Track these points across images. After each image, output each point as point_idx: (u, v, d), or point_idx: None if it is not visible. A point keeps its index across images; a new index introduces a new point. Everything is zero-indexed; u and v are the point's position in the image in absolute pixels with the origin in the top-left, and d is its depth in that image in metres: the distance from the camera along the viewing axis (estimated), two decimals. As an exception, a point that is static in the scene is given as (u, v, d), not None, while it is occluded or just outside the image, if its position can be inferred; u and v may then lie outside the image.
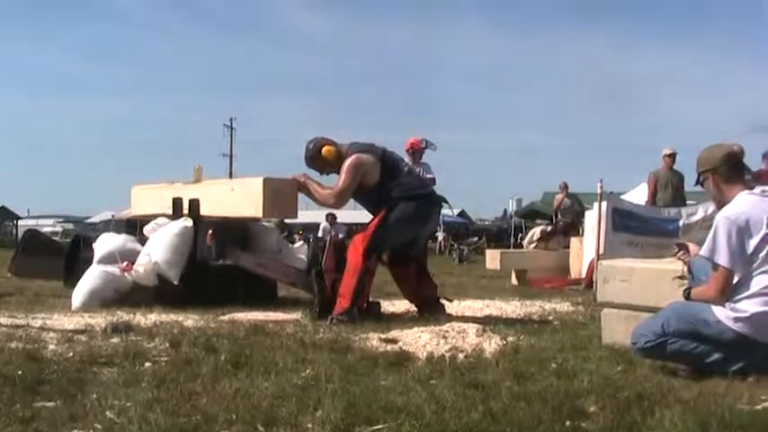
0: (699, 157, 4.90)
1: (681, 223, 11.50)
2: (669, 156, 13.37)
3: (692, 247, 5.12)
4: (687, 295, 4.78)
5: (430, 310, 7.51)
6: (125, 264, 8.37)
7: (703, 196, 12.85)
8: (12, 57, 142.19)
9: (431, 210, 7.72)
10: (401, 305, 8.18)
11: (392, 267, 7.80)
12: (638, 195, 14.82)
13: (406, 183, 7.47)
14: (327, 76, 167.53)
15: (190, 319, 6.82)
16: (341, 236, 16.27)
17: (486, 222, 63.85)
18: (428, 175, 10.95)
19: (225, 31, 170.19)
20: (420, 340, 5.74)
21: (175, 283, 8.21)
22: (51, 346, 5.32)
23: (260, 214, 7.92)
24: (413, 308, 7.88)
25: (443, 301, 7.81)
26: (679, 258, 5.15)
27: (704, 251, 4.61)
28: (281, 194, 7.73)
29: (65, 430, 3.35)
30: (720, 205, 4.76)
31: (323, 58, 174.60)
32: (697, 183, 4.96)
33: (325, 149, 7.47)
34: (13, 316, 6.95)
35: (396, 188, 7.33)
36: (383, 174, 7.38)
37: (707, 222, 9.63)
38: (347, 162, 7.34)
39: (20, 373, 4.31)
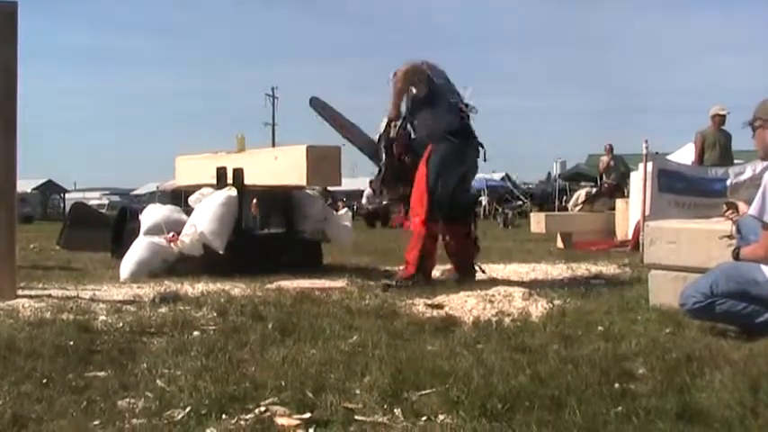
0: (757, 107, 4.80)
1: (728, 183, 11.29)
2: (719, 115, 13.12)
3: (740, 206, 5.05)
4: (736, 255, 4.72)
5: (463, 273, 7.53)
6: (171, 234, 8.41)
7: (752, 155, 12.71)
8: (54, 35, 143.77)
9: (465, 149, 7.56)
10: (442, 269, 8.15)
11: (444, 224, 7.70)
12: (684, 156, 14.61)
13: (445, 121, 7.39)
14: (369, 43, 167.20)
15: (237, 288, 6.86)
16: (385, 202, 16.31)
17: (531, 186, 63.32)
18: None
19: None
20: (466, 305, 5.75)
21: (221, 252, 8.25)
22: (101, 317, 5.37)
23: (303, 182, 7.92)
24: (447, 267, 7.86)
25: (477, 269, 7.73)
26: (727, 218, 5.09)
27: (753, 210, 4.54)
28: (324, 162, 7.73)
29: (117, 399, 3.38)
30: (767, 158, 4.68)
31: (364, 26, 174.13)
32: (747, 125, 4.85)
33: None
34: (63, 288, 7.03)
35: (436, 125, 7.31)
36: (430, 97, 7.36)
37: (755, 182, 9.48)
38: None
39: (72, 343, 4.37)
